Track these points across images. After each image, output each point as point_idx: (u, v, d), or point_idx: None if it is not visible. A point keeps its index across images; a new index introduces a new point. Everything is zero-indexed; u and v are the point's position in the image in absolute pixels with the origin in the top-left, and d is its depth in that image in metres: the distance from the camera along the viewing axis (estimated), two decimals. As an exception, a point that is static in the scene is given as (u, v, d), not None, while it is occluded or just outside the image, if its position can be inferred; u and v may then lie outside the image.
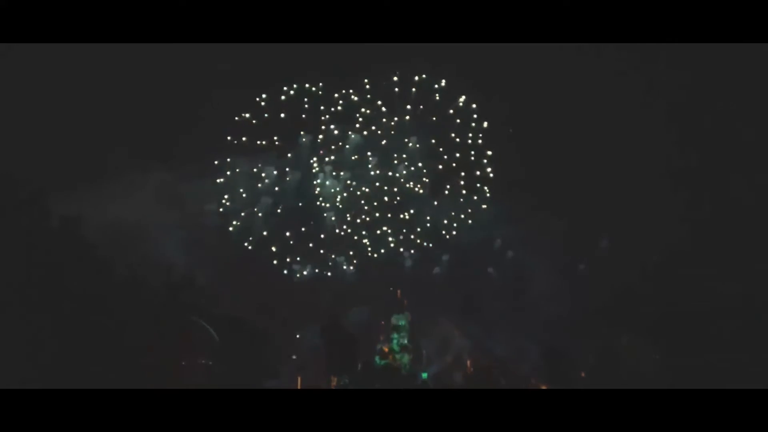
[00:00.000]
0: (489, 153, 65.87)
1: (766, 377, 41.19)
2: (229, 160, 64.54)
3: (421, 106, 65.78)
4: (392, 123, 65.75)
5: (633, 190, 60.16)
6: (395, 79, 65.69)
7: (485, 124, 65.75)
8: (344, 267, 64.48)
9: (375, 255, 65.05)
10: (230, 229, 63.84)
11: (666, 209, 58.39)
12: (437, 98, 66.02)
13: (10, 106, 51.27)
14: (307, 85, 65.79)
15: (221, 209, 64.09)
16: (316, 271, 64.61)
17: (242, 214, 64.40)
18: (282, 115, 65.39)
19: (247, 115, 65.06)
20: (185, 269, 54.67)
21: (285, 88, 65.61)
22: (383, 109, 65.84)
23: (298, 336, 59.79)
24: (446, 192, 66.01)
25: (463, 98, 65.62)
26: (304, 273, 64.21)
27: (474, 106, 65.82)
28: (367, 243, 65.09)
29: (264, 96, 65.34)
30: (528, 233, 63.31)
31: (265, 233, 64.41)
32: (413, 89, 65.83)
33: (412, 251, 64.96)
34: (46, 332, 38.01)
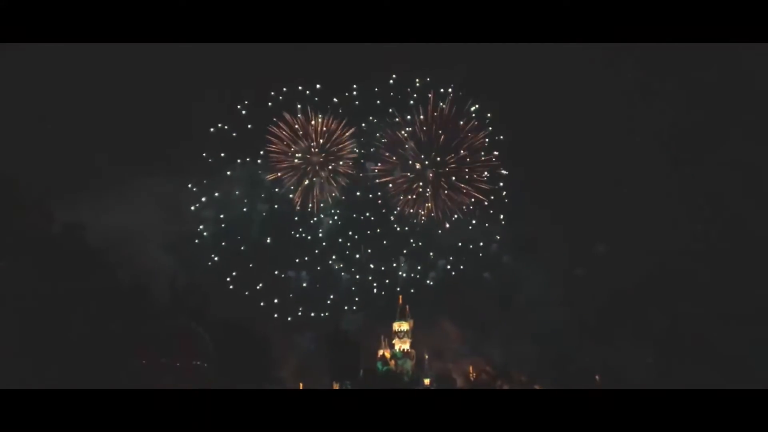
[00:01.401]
0: (504, 172, 65.08)
1: (761, 378, 41.40)
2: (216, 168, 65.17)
3: (422, 117, 65.70)
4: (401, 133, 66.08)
5: (630, 196, 60.39)
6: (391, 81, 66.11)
7: (501, 137, 64.73)
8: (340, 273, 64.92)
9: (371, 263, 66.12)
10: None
11: (662, 214, 58.67)
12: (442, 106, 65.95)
13: (14, 113, 51.84)
14: (300, 88, 66.31)
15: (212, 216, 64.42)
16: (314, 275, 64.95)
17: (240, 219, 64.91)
18: (273, 121, 66.07)
19: (226, 127, 64.73)
20: (185, 275, 55.12)
21: (273, 95, 66.41)
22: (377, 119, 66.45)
23: (292, 341, 59.91)
24: (454, 218, 65.53)
25: (476, 107, 65.49)
26: (301, 278, 64.42)
27: (489, 115, 65.31)
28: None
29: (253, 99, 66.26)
30: (524, 238, 63.91)
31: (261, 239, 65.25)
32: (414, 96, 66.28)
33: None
34: (48, 335, 38.30)
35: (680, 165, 58.29)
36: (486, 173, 65.50)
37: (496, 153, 65.42)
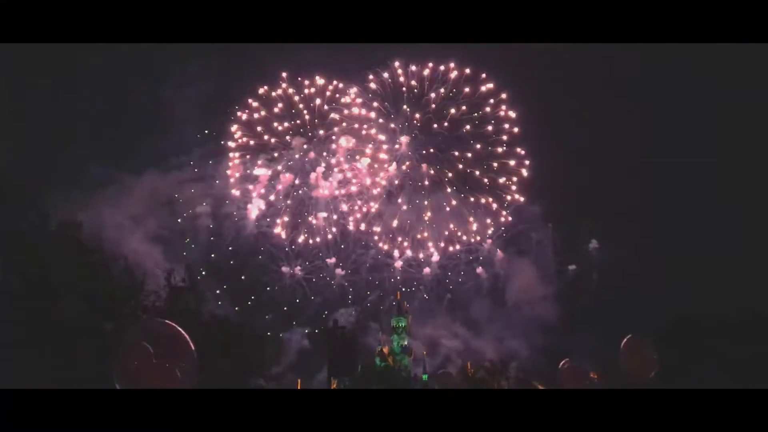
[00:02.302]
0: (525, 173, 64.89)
1: (759, 377, 41.55)
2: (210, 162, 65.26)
3: (417, 118, 65.23)
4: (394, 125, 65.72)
5: (623, 194, 60.55)
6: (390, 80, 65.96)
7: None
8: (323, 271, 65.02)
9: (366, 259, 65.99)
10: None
11: (659, 212, 58.89)
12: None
13: (8, 113, 51.59)
14: (304, 81, 66.01)
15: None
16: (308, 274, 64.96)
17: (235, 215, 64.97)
18: (278, 109, 65.65)
19: (206, 132, 64.68)
20: (179, 274, 54.85)
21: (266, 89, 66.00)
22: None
23: (286, 338, 60.06)
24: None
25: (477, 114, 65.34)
26: (295, 274, 64.53)
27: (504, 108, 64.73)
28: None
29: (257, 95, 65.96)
30: (518, 234, 64.21)
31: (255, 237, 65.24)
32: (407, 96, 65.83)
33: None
34: (43, 334, 38.04)
35: (677, 163, 58.48)
36: (504, 178, 64.88)
37: (520, 151, 63.93)
